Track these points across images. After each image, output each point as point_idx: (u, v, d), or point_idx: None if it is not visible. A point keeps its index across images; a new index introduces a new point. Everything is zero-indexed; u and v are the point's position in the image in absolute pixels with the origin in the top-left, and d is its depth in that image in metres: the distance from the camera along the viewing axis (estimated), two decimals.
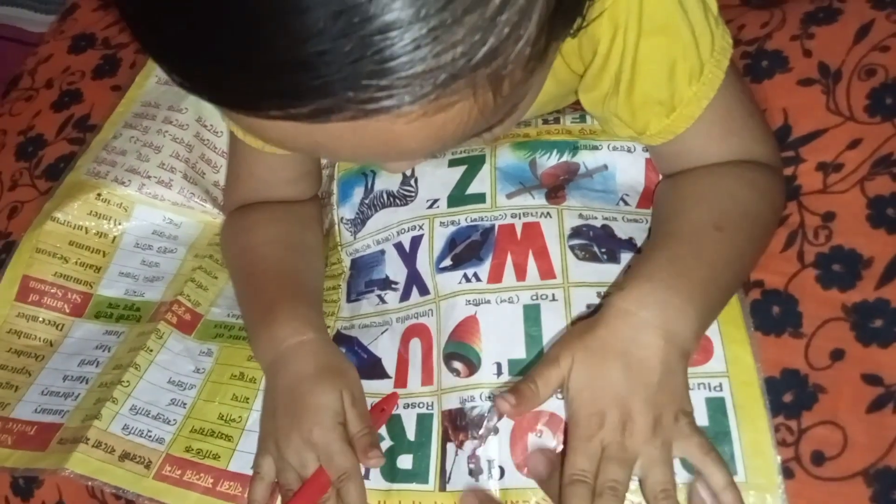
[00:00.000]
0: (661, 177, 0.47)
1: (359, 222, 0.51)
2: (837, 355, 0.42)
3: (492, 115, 0.29)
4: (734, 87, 0.44)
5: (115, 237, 0.54)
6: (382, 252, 0.49)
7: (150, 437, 0.44)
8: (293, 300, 0.47)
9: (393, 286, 0.48)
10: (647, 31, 0.40)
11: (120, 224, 0.55)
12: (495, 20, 0.24)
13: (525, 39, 0.25)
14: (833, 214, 0.46)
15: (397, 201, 0.50)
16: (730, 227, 0.41)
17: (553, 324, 0.42)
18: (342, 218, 0.52)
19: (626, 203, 0.48)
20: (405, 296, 0.47)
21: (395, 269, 0.48)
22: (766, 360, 0.41)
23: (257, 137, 0.30)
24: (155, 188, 0.55)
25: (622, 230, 0.46)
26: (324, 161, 0.56)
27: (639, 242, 0.45)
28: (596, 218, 0.46)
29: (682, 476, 0.38)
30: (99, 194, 0.55)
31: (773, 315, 0.43)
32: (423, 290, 0.47)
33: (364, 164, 0.51)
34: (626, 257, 0.45)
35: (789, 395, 0.41)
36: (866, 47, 0.50)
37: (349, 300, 0.50)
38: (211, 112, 0.57)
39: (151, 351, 0.47)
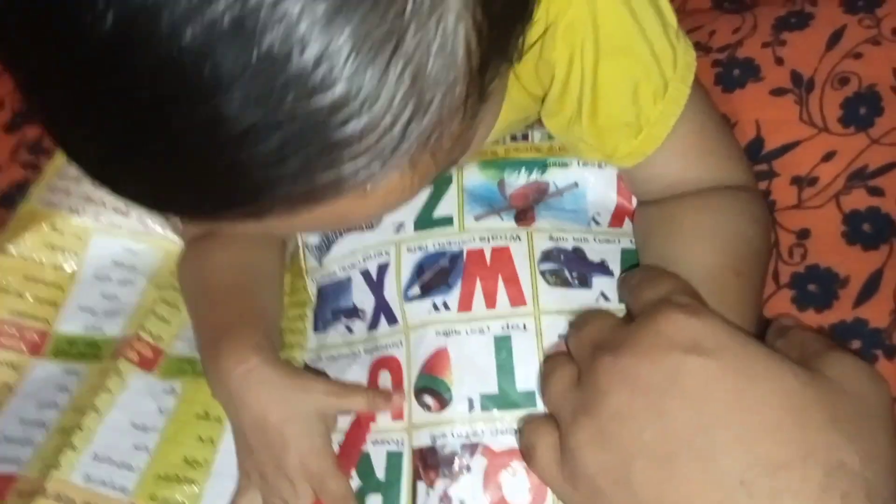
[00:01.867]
0: (633, 198, 0.46)
1: (324, 247, 0.50)
2: None
3: (438, 168, 0.28)
4: (703, 103, 0.42)
5: (72, 270, 0.52)
6: (349, 279, 0.48)
7: (112, 486, 0.42)
8: (238, 327, 0.45)
9: (360, 315, 0.47)
10: (605, 53, 0.38)
11: (77, 255, 0.53)
12: (422, 93, 0.23)
13: (455, 99, 0.25)
14: (808, 231, 0.45)
15: (363, 226, 0.48)
16: (747, 270, 0.39)
17: (525, 355, 0.41)
18: (306, 243, 0.50)
19: (597, 223, 0.46)
20: (373, 325, 0.46)
21: (362, 297, 0.47)
22: None
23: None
24: (111, 216, 0.53)
25: (594, 252, 0.45)
26: None
27: (611, 264, 0.44)
28: (567, 240, 0.45)
29: None
30: (53, 225, 0.52)
31: None
32: (392, 320, 0.45)
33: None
34: (597, 281, 0.43)
35: None
36: (839, 54, 0.49)
37: (316, 330, 0.49)
38: None
39: (111, 391, 0.46)
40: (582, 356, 0.35)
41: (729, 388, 0.30)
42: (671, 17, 0.41)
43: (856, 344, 0.41)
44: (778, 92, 0.48)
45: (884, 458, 0.29)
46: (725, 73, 0.50)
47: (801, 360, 0.32)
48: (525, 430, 0.37)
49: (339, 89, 0.22)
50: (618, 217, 0.47)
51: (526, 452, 0.36)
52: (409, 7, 0.22)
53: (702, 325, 0.32)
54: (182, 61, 0.21)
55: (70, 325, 0.51)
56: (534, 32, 0.39)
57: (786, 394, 0.30)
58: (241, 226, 0.26)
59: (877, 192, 0.45)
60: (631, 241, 0.46)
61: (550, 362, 0.38)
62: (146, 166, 0.24)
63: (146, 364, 0.48)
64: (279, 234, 0.42)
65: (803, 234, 0.45)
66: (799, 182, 0.46)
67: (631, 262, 0.45)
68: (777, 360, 0.31)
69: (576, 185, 0.47)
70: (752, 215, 0.41)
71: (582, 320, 0.38)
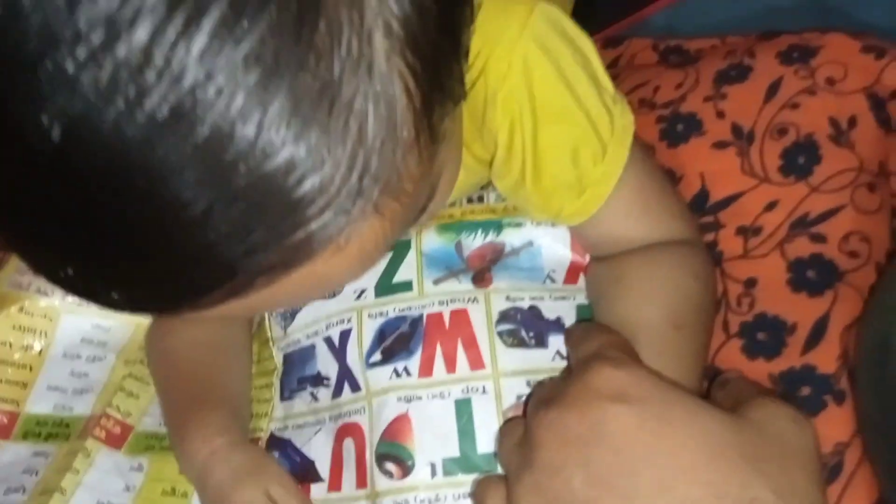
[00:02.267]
0: (587, 254, 0.47)
1: (288, 316, 0.50)
2: None
3: (408, 216, 0.28)
4: (643, 163, 0.44)
5: (41, 349, 0.53)
6: (313, 347, 0.49)
7: None
8: (202, 408, 0.46)
9: (325, 382, 0.47)
10: (542, 121, 0.40)
11: (46, 335, 0.53)
12: (364, 143, 0.24)
13: (403, 145, 0.25)
14: (755, 280, 0.46)
15: (326, 294, 0.49)
16: (687, 323, 0.41)
17: (485, 418, 0.42)
18: (272, 312, 0.51)
19: (552, 280, 0.47)
20: (337, 392, 0.47)
21: (326, 364, 0.48)
22: None
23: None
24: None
25: (550, 310, 0.46)
26: None
27: (566, 321, 0.45)
28: (523, 299, 0.46)
29: None
30: (21, 307, 0.53)
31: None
32: (355, 387, 0.46)
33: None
34: (553, 340, 0.44)
35: None
36: (777, 105, 0.51)
37: (283, 398, 0.49)
38: None
39: (78, 472, 0.46)
40: (529, 413, 0.37)
41: (650, 433, 0.32)
42: (607, 83, 0.42)
43: (805, 390, 0.42)
44: (720, 145, 0.50)
45: (801, 494, 0.31)
46: (669, 129, 0.52)
47: (734, 407, 0.33)
48: (477, 487, 0.38)
49: (286, 153, 0.22)
50: (572, 273, 0.48)
51: None
52: (336, 59, 0.22)
53: (627, 376, 0.33)
54: (130, 157, 0.22)
55: (39, 405, 0.51)
56: (474, 102, 0.41)
57: (703, 437, 0.32)
58: (228, 307, 0.26)
59: (819, 238, 0.46)
60: (586, 297, 0.47)
61: (505, 423, 0.40)
62: (118, 272, 0.24)
63: (114, 441, 0.48)
64: (262, 310, 0.41)
65: (750, 283, 0.46)
66: (744, 232, 0.47)
67: (585, 318, 0.46)
68: (697, 406, 0.33)
69: (531, 243, 0.49)
70: (693, 269, 0.42)
71: (540, 382, 0.39)
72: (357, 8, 0.23)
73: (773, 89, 0.51)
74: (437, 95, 0.26)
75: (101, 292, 0.25)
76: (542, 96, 0.40)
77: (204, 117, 0.21)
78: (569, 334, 0.42)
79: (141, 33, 0.21)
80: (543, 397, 0.36)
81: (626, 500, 0.31)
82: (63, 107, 0.21)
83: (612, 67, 0.64)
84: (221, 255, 0.24)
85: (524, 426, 0.37)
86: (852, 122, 0.50)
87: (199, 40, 0.21)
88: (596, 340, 0.38)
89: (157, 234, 0.23)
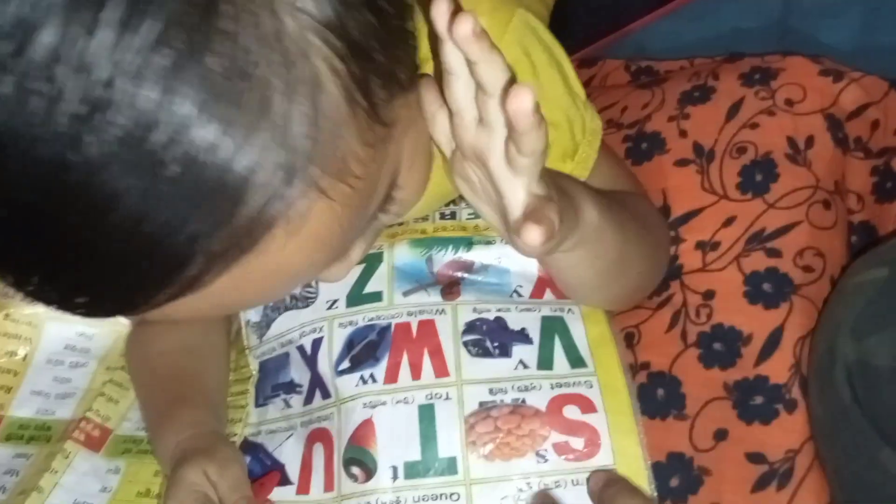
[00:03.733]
0: None
1: (264, 325, 0.52)
2: (721, 435, 0.43)
3: (362, 200, 0.29)
4: (612, 159, 0.46)
5: (25, 355, 0.55)
6: (287, 355, 0.50)
7: None
8: (177, 406, 0.47)
9: (297, 390, 0.49)
10: None
11: (30, 342, 0.55)
12: (288, 120, 0.24)
13: (335, 122, 0.25)
14: (713, 292, 0.48)
15: (299, 303, 0.51)
16: (637, 218, 0.43)
17: (447, 422, 0.43)
18: (248, 321, 0.53)
19: (519, 294, 0.49)
20: (308, 399, 0.48)
21: (299, 372, 0.49)
22: (652, 444, 0.43)
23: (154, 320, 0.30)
24: None
25: (515, 321, 0.47)
26: None
27: (530, 332, 0.47)
28: (490, 310, 0.48)
29: None
30: (7, 314, 0.55)
31: (657, 398, 0.45)
32: (326, 394, 0.47)
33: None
34: (517, 350, 0.46)
35: (675, 480, 0.42)
36: (737, 125, 0.53)
37: (257, 404, 0.51)
38: None
39: (56, 472, 0.47)
40: None
41: None
42: (579, 89, 0.45)
43: (758, 399, 0.43)
44: (681, 162, 0.52)
45: None
46: (634, 147, 0.54)
47: None
48: None
49: (206, 136, 0.23)
50: (539, 288, 0.50)
51: None
52: (245, 39, 0.23)
53: None
54: (56, 158, 0.22)
55: (23, 409, 0.53)
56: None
57: None
58: (194, 306, 0.27)
59: (774, 253, 0.48)
60: (552, 310, 0.48)
61: None
62: (74, 277, 0.25)
63: (93, 444, 0.50)
64: (233, 307, 0.41)
65: (708, 295, 0.47)
66: (703, 246, 0.49)
67: (551, 329, 0.47)
68: None
69: (499, 261, 0.50)
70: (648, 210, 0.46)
71: None
72: None
73: (734, 110, 0.53)
74: (375, 77, 0.27)
75: (67, 299, 0.26)
76: None
77: (120, 109, 0.22)
78: (600, 483, 0.41)
79: (47, 34, 0.21)
80: None
81: None
82: None
83: (586, 87, 0.66)
84: (165, 246, 0.24)
85: None
86: (809, 141, 0.52)
87: (106, 33, 0.22)
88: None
89: (97, 231, 0.24)
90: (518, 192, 0.32)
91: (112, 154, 0.23)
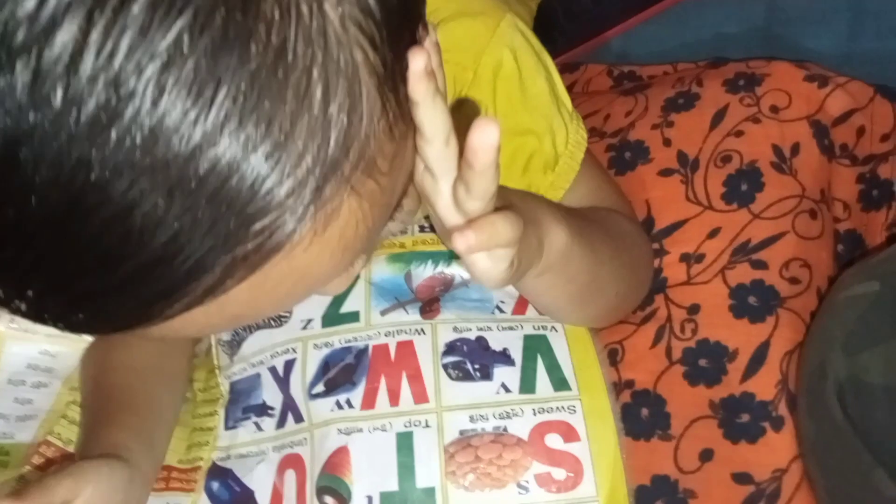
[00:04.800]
0: None
1: (235, 344, 0.50)
2: (706, 456, 0.42)
3: (386, 199, 0.27)
4: (595, 171, 0.45)
5: None
6: (258, 376, 0.48)
7: None
8: (104, 426, 0.45)
9: (269, 412, 0.47)
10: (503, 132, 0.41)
11: None
12: (327, 113, 0.23)
13: (369, 115, 0.24)
14: (698, 307, 0.46)
15: (272, 322, 0.49)
16: (617, 237, 0.43)
17: (426, 452, 0.42)
18: (219, 340, 0.51)
19: (501, 311, 0.47)
20: (281, 423, 0.46)
21: (271, 394, 0.47)
22: (636, 467, 0.41)
23: (164, 339, 0.28)
24: (25, 322, 0.53)
25: (496, 340, 0.46)
26: None
27: (512, 352, 0.45)
28: (471, 329, 0.46)
29: None
30: None
31: (641, 418, 0.43)
32: (298, 418, 0.45)
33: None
34: (498, 372, 0.44)
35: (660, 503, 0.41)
36: (721, 133, 0.51)
37: (227, 427, 0.49)
38: None
39: None
40: None
41: None
42: (565, 98, 0.44)
43: (745, 417, 0.42)
44: (666, 172, 0.51)
45: None
46: (618, 157, 0.53)
47: None
48: None
49: (243, 133, 0.21)
50: (521, 304, 0.48)
51: None
52: (287, 28, 0.22)
53: None
54: (75, 159, 0.21)
55: None
56: None
57: None
58: (205, 315, 0.25)
59: (760, 265, 0.46)
60: (534, 327, 0.47)
61: None
62: (83, 286, 0.23)
63: (50, 468, 0.48)
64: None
65: (693, 310, 0.46)
66: (687, 259, 0.48)
67: (534, 349, 0.46)
68: None
69: None
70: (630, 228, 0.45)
71: None
72: None
73: (718, 117, 0.52)
74: (399, 68, 0.26)
75: (70, 311, 0.24)
76: (503, 109, 0.41)
77: (114, 122, 0.20)
78: None
79: (67, 31, 0.20)
80: None
81: None
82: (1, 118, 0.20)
83: (568, 92, 0.65)
84: (191, 248, 0.22)
85: None
86: (795, 149, 0.50)
87: (131, 27, 0.20)
88: None
89: (119, 236, 0.22)
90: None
91: (135, 155, 0.21)
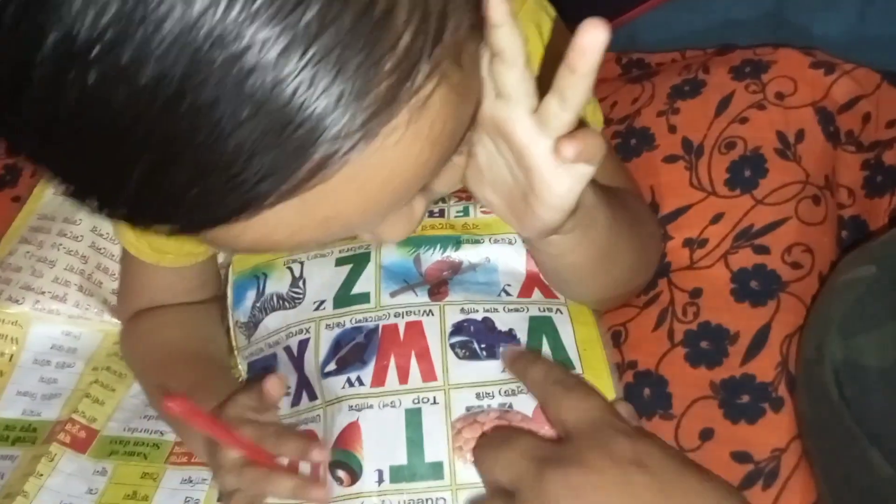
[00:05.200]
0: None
1: (252, 326, 0.52)
2: (706, 435, 0.43)
3: (464, 108, 0.28)
4: (609, 155, 0.46)
5: (11, 355, 0.54)
6: (274, 355, 0.50)
7: None
8: (213, 379, 0.48)
9: (286, 391, 0.49)
10: None
11: (16, 342, 0.55)
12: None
13: (460, 5, 0.25)
14: (700, 290, 0.47)
15: (286, 304, 0.50)
16: (629, 212, 0.44)
17: (434, 427, 0.43)
18: (237, 322, 0.53)
19: (507, 293, 0.49)
20: (296, 401, 0.48)
21: (286, 373, 0.49)
22: None
23: (230, 250, 0.29)
24: (49, 303, 0.55)
25: (502, 321, 0.47)
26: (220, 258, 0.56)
27: (518, 332, 0.46)
28: (477, 311, 0.47)
29: None
30: None
31: (644, 398, 0.44)
32: (312, 396, 0.47)
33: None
34: (504, 351, 0.45)
35: None
36: (726, 120, 0.52)
37: None
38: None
39: (41, 475, 0.47)
40: (520, 470, 0.37)
41: (664, 495, 0.35)
42: None
43: (745, 398, 0.43)
44: (670, 159, 0.51)
45: None
46: (623, 143, 0.53)
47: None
48: None
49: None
50: (528, 286, 0.49)
51: None
52: None
53: (642, 446, 0.37)
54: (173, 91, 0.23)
55: (9, 410, 0.53)
56: None
57: (703, 496, 0.36)
58: (305, 219, 0.26)
59: (762, 250, 0.47)
60: (540, 309, 0.48)
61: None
62: (182, 175, 0.25)
63: (78, 445, 0.50)
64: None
65: (696, 293, 0.47)
66: (690, 244, 0.49)
67: (539, 330, 0.47)
68: (696, 473, 0.37)
69: (488, 260, 0.50)
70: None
71: (505, 439, 0.40)
72: None
73: (723, 104, 0.53)
74: None
75: (176, 198, 0.26)
76: None
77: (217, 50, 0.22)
78: (545, 375, 0.42)
79: None
80: (544, 457, 0.37)
81: None
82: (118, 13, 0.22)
83: None
84: (297, 123, 0.24)
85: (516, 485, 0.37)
86: (800, 135, 0.51)
87: None
88: (595, 404, 0.39)
89: (234, 100, 0.23)
90: (545, 143, 0.31)
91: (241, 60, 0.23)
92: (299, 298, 0.50)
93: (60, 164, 0.27)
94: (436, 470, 0.42)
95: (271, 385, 0.44)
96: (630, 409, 0.41)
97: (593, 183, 0.38)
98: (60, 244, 0.57)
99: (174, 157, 0.24)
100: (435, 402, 0.44)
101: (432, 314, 0.47)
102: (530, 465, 0.37)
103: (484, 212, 0.51)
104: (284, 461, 0.44)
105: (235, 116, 0.23)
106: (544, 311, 0.48)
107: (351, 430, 0.44)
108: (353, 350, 0.47)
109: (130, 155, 0.25)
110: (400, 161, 0.27)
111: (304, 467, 0.45)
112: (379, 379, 0.45)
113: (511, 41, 0.28)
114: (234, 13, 0.22)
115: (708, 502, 0.36)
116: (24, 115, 0.25)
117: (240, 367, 0.52)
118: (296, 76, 0.23)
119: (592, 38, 0.26)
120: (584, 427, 0.38)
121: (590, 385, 0.42)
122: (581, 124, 0.32)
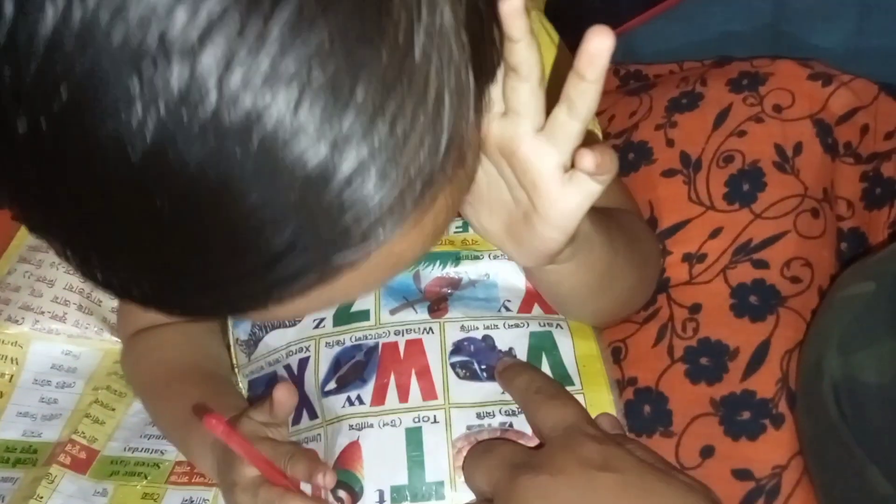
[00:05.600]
0: None
1: (252, 344, 0.52)
2: (707, 452, 0.43)
3: (463, 185, 0.29)
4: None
5: (11, 375, 0.54)
6: (275, 374, 0.50)
7: None
8: (221, 396, 0.48)
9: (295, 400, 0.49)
10: None
11: (16, 362, 0.55)
12: (440, 113, 0.24)
13: (469, 111, 0.26)
14: (699, 306, 0.47)
15: (286, 322, 0.50)
16: (628, 237, 0.44)
17: (434, 446, 0.43)
18: (237, 339, 0.53)
19: (507, 309, 0.49)
20: (296, 420, 0.48)
21: None
22: None
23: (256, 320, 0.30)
24: (48, 323, 0.55)
25: (502, 339, 0.47)
26: None
27: (517, 352, 0.46)
28: (477, 328, 0.47)
29: None
30: None
31: (644, 415, 0.44)
32: (312, 414, 0.47)
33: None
34: None
35: None
36: (724, 134, 0.52)
37: None
38: None
39: (42, 498, 0.47)
40: (497, 476, 0.38)
41: (633, 497, 0.36)
42: None
43: (745, 415, 0.43)
44: (668, 173, 0.51)
45: None
46: (622, 158, 0.53)
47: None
48: None
49: (385, 124, 0.23)
50: (527, 303, 0.49)
51: None
52: (414, 29, 0.23)
53: (610, 450, 0.37)
54: (220, 160, 0.22)
55: (9, 431, 0.53)
56: None
57: (674, 499, 0.36)
58: (314, 303, 0.27)
59: (761, 264, 0.47)
60: (540, 325, 0.48)
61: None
62: (212, 272, 0.25)
63: (79, 466, 0.50)
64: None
65: (695, 309, 0.47)
66: (689, 259, 0.49)
67: (539, 346, 0.47)
68: (663, 476, 0.37)
69: (487, 276, 0.50)
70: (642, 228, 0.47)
71: (486, 448, 0.41)
72: None
73: (721, 117, 0.53)
74: (487, 62, 0.27)
75: (188, 298, 0.26)
76: None
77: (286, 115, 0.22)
78: (528, 384, 0.43)
79: (218, 45, 0.21)
80: (519, 462, 0.38)
81: None
82: (154, 114, 0.21)
83: None
84: (312, 241, 0.24)
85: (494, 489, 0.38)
86: (798, 148, 0.51)
87: (272, 44, 0.21)
88: (569, 412, 0.40)
89: (252, 229, 0.23)
90: (552, 159, 0.31)
91: (277, 157, 0.22)
92: (299, 316, 0.50)
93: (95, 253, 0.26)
94: (437, 489, 0.42)
95: (281, 393, 0.43)
96: (614, 419, 0.42)
97: (589, 209, 0.39)
98: (59, 263, 0.57)
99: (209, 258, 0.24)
100: (436, 421, 0.44)
101: (432, 332, 0.47)
102: (505, 472, 0.38)
103: None
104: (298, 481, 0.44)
105: (259, 233, 0.23)
106: (544, 325, 0.48)
107: (351, 450, 0.44)
108: (353, 368, 0.47)
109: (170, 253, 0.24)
110: (405, 251, 0.28)
111: (305, 486, 0.45)
112: (379, 397, 0.45)
113: (527, 56, 0.28)
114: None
115: (673, 500, 0.36)
116: (61, 208, 0.24)
117: (240, 385, 0.52)
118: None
119: (599, 43, 0.27)
120: (557, 434, 0.39)
121: (570, 394, 0.42)
122: (590, 139, 0.32)
